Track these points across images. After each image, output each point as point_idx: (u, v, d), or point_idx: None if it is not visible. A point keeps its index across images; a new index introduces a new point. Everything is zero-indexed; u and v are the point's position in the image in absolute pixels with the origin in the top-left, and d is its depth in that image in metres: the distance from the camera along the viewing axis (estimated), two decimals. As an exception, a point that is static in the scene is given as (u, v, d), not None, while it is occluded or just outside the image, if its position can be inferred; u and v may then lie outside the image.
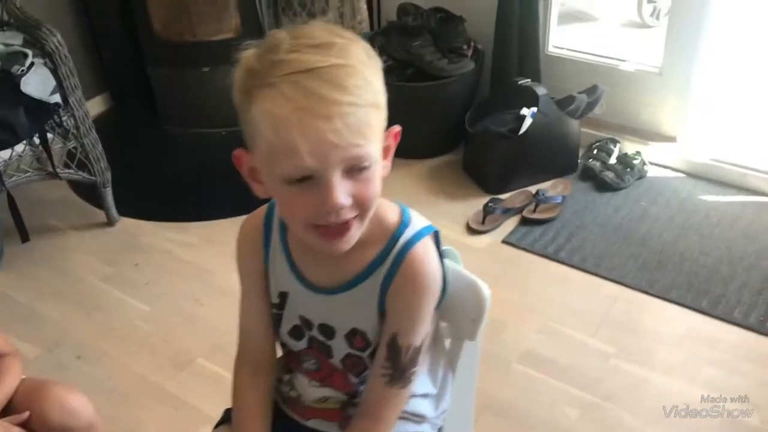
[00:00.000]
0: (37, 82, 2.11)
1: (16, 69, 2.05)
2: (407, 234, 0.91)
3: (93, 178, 2.40)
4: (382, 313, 0.93)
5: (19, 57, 2.08)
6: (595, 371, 1.86)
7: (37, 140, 2.24)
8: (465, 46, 2.62)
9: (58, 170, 2.32)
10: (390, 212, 0.93)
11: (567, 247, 2.27)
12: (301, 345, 1.01)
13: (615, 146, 2.59)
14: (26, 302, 2.20)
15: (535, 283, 2.17)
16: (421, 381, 1.03)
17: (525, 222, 2.39)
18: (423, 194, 2.57)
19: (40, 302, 2.19)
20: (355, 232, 0.85)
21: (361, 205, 0.82)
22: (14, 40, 2.16)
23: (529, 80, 2.50)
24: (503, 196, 2.49)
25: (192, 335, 2.03)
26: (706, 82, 2.55)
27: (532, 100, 2.45)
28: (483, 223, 2.38)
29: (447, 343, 1.08)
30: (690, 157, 2.57)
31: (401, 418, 1.01)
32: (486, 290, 0.99)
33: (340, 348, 0.97)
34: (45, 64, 2.16)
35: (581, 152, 2.64)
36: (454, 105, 2.63)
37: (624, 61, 2.67)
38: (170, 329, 2.06)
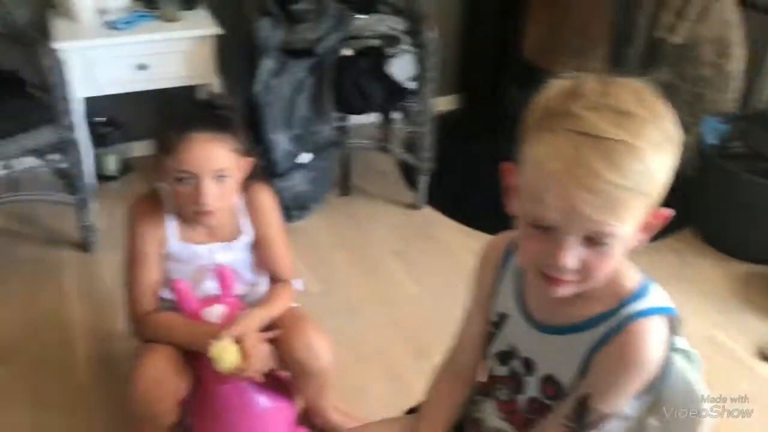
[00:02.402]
0: (402, 67, 2.36)
1: (388, 51, 2.33)
2: (637, 305, 0.88)
3: (416, 163, 2.62)
4: (583, 371, 0.91)
5: (395, 41, 2.36)
6: None
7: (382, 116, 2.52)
8: None
9: (391, 147, 2.59)
10: (628, 278, 0.90)
11: None
12: (502, 371, 1.03)
13: None
14: (326, 246, 2.50)
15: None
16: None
17: (836, 374, 2.04)
18: (729, 296, 2.33)
19: (335, 250, 2.48)
20: (572, 290, 0.84)
21: (585, 274, 0.82)
22: (398, 25, 2.44)
23: None
24: (821, 336, 2.15)
25: (442, 333, 2.07)
26: None
27: None
28: (782, 354, 2.09)
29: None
30: None
31: None
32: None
33: (531, 388, 0.97)
34: (414, 53, 2.41)
35: None
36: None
37: None
38: (426, 319, 2.18)
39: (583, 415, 0.90)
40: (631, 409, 0.94)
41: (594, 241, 0.79)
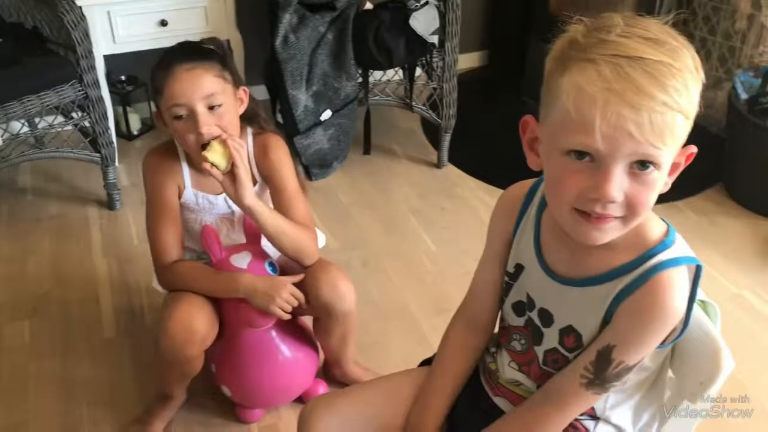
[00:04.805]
0: (424, 21, 2.32)
1: (411, 4, 2.29)
2: (664, 255, 0.85)
3: (438, 120, 2.60)
4: (605, 322, 0.89)
5: (419, -6, 2.31)
6: None
7: (405, 72, 2.48)
8: None
9: (413, 104, 2.56)
10: (654, 227, 0.88)
11: None
12: (518, 322, 1.02)
13: None
14: (346, 204, 2.50)
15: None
16: (623, 413, 0.98)
17: None
18: (758, 255, 2.28)
19: (356, 207, 2.48)
20: (613, 231, 0.82)
21: (630, 208, 0.80)
22: (422, -22, 2.39)
23: None
24: None
25: (461, 289, 2.06)
26: None
27: None
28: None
29: (667, 394, 0.99)
30: None
31: None
32: (728, 362, 0.89)
33: (549, 340, 0.96)
34: (438, 7, 2.36)
35: None
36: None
37: None
38: (445, 276, 2.18)
39: (604, 366, 0.88)
40: (650, 360, 0.93)
41: (638, 169, 0.77)
